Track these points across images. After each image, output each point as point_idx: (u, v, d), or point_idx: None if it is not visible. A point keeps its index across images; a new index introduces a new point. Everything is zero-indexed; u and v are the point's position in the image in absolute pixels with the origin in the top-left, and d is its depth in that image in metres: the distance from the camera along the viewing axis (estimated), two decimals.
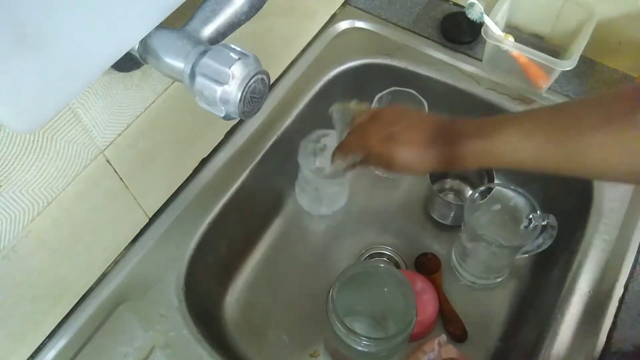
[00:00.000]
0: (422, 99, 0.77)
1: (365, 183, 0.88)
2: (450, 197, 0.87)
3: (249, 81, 0.43)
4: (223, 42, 0.48)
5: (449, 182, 0.87)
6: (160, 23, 0.44)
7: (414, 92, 0.77)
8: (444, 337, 0.67)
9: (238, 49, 0.43)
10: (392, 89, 0.78)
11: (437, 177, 0.85)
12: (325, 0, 0.85)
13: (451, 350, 0.66)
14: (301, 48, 0.84)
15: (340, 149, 0.61)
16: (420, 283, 0.75)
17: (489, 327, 0.76)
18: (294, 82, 0.81)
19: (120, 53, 0.42)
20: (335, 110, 0.64)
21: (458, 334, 0.74)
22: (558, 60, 0.75)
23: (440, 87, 0.82)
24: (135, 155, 0.60)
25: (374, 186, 0.88)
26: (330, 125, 0.65)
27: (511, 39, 0.78)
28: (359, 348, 0.58)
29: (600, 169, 0.49)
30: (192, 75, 0.43)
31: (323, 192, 0.80)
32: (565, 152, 0.49)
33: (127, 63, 0.50)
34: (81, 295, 0.63)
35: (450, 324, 0.75)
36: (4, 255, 0.50)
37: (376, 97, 0.78)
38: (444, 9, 0.89)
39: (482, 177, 0.81)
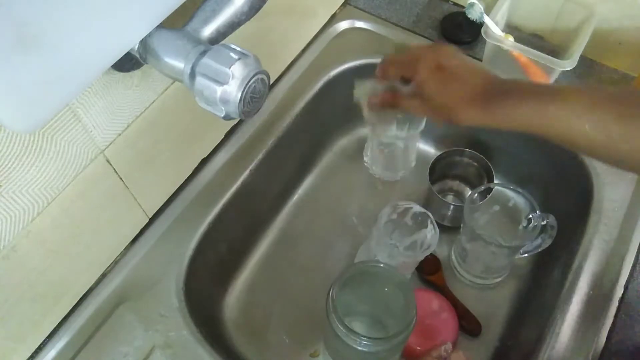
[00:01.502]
0: None
1: (365, 184, 0.88)
2: (450, 197, 0.87)
3: (249, 81, 0.43)
4: (223, 42, 0.49)
5: (448, 183, 0.87)
6: (160, 23, 0.44)
7: None
8: (449, 344, 0.69)
9: (238, 49, 0.43)
10: None
11: (436, 177, 0.85)
12: (325, 0, 0.85)
13: (460, 356, 0.67)
14: (301, 48, 0.84)
15: (387, 61, 0.57)
16: (437, 301, 0.74)
17: (489, 327, 0.76)
18: (294, 82, 0.81)
19: (120, 53, 0.42)
20: (394, 45, 0.64)
21: (472, 328, 0.74)
22: (558, 60, 0.75)
23: None
24: (135, 155, 0.60)
25: (374, 187, 0.88)
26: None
27: (511, 39, 0.78)
28: (359, 348, 0.58)
29: None
30: (192, 75, 0.43)
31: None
32: (624, 130, 0.46)
33: (127, 63, 0.50)
34: (81, 295, 0.63)
35: (464, 319, 0.75)
36: (4, 255, 0.50)
37: None
38: (444, 9, 0.89)
39: (481, 177, 0.81)
